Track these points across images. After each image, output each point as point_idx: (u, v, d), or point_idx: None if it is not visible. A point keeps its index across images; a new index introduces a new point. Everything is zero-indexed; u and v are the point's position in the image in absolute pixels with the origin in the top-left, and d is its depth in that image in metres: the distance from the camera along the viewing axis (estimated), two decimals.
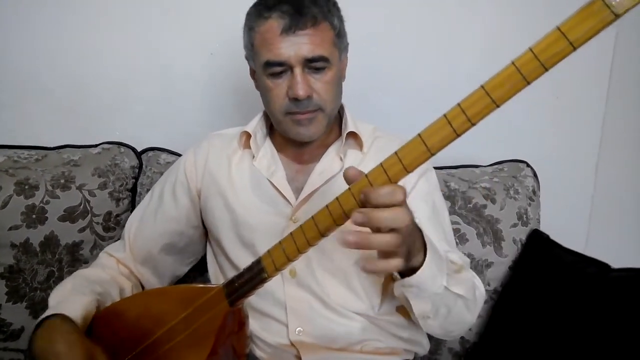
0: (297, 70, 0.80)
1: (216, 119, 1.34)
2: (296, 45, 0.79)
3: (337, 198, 0.57)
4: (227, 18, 1.29)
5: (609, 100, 1.47)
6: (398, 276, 0.68)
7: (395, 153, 0.53)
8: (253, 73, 0.92)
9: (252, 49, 0.86)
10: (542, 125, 1.45)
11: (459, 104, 0.49)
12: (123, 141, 1.25)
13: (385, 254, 0.58)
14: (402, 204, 0.54)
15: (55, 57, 1.27)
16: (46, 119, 1.30)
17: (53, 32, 1.26)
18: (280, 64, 0.80)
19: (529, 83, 0.46)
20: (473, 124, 0.49)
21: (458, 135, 0.50)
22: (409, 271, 0.65)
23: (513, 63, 0.46)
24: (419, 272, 0.64)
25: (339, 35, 0.86)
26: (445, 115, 0.50)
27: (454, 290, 0.72)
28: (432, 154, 0.52)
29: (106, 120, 1.32)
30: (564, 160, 1.48)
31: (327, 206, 0.58)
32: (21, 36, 1.25)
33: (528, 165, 1.30)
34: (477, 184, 1.21)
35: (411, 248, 0.61)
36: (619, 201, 1.54)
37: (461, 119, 0.49)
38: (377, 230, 0.55)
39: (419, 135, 0.52)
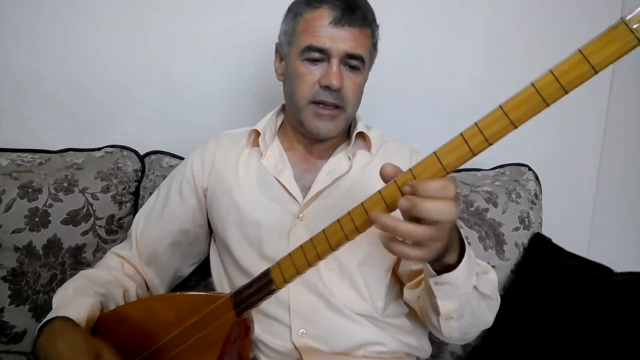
0: (335, 61, 0.83)
1: (219, 122, 1.34)
2: (341, 38, 0.82)
3: (349, 212, 0.57)
4: (229, 22, 1.30)
5: (610, 103, 1.47)
6: (432, 271, 0.66)
7: (410, 170, 0.53)
8: (280, 61, 0.93)
9: (292, 34, 0.87)
10: (544, 129, 1.45)
11: (476, 124, 0.49)
12: (126, 145, 1.25)
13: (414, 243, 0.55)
14: (453, 198, 0.51)
15: (58, 61, 1.28)
16: (49, 123, 1.30)
17: (56, 36, 1.26)
18: (321, 50, 0.83)
19: (548, 105, 0.45)
20: (490, 144, 0.49)
21: (474, 155, 0.49)
22: (441, 269, 0.64)
23: (533, 85, 0.45)
24: (456, 270, 0.63)
25: (374, 47, 0.90)
26: (462, 134, 0.49)
27: (482, 290, 0.72)
28: (447, 173, 0.51)
29: (109, 123, 1.32)
30: (565, 163, 1.48)
31: (338, 220, 0.58)
32: (24, 40, 1.26)
33: (530, 169, 1.30)
34: (479, 188, 1.22)
35: (449, 245, 0.59)
36: (621, 205, 1.54)
37: (478, 139, 0.48)
38: (416, 220, 0.52)
39: (435, 153, 0.51)
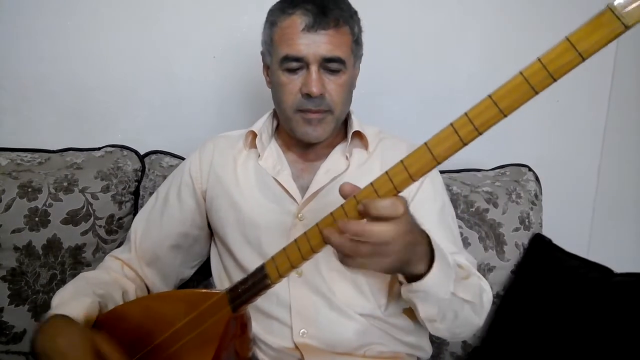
0: (313, 68, 0.82)
1: (219, 122, 1.34)
2: (316, 44, 0.81)
3: (342, 206, 0.57)
4: (230, 21, 1.31)
5: (611, 103, 1.47)
6: (404, 280, 0.68)
7: (401, 161, 0.53)
8: (267, 69, 0.93)
9: (271, 44, 0.87)
10: (544, 129, 1.45)
11: (466, 113, 0.49)
12: (126, 144, 1.25)
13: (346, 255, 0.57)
14: (402, 216, 0.53)
15: (58, 61, 1.28)
16: (49, 122, 1.30)
17: (56, 36, 1.26)
18: (298, 59, 0.82)
19: (537, 93, 0.45)
20: (480, 133, 0.49)
21: (465, 144, 0.50)
22: (414, 277, 0.65)
23: (521, 73, 0.45)
24: (425, 279, 0.64)
25: (357, 43, 0.88)
26: (452, 124, 0.50)
27: (461, 295, 0.72)
28: (438, 163, 0.52)
29: (109, 123, 1.32)
30: (566, 164, 1.48)
31: (331, 213, 0.58)
32: (25, 40, 1.26)
33: (530, 170, 1.30)
34: (479, 188, 1.22)
35: (408, 259, 0.61)
36: (621, 205, 1.54)
37: (468, 128, 0.49)
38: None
39: (426, 144, 0.52)
